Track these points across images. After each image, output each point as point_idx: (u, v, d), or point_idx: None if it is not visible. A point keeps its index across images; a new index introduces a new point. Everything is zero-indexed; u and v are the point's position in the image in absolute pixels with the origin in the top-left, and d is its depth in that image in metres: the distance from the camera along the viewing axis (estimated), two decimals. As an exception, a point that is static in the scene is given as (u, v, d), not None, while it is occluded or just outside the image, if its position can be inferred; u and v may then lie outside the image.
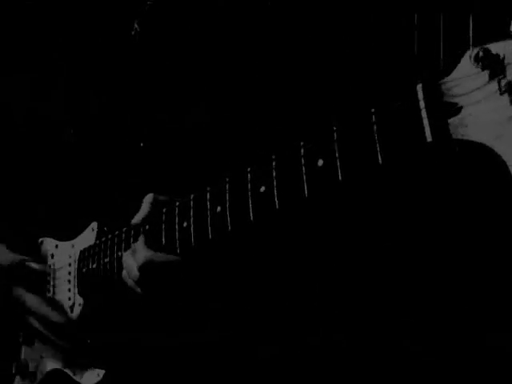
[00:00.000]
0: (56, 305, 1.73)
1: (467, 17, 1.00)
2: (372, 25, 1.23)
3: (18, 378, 1.89)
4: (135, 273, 1.38)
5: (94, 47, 1.66)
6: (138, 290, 1.40)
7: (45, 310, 1.73)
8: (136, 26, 1.60)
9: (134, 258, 1.39)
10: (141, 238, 1.41)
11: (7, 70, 1.81)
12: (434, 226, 1.26)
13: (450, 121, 0.95)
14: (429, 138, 0.95)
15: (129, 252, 1.43)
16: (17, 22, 1.79)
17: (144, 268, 1.37)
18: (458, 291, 1.28)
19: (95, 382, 1.63)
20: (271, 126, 1.37)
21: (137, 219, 1.44)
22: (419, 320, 1.43)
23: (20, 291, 1.74)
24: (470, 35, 0.99)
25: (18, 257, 1.79)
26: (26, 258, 1.79)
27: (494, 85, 0.91)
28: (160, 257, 1.36)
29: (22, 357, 1.88)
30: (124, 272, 1.43)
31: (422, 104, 0.96)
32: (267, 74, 1.41)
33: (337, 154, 1.06)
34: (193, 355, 1.57)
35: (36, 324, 1.77)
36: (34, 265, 1.78)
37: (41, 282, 1.78)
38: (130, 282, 1.41)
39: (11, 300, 1.78)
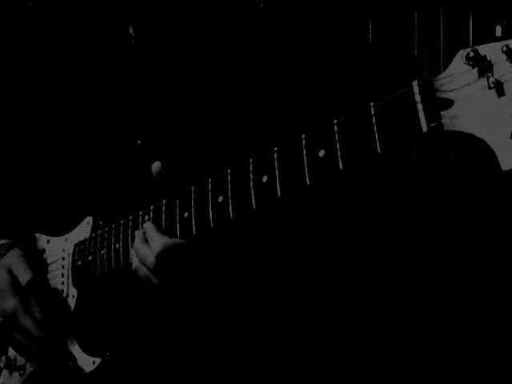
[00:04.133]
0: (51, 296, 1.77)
1: (462, 21, 1.11)
2: (373, 24, 1.33)
3: (5, 373, 1.92)
4: (152, 260, 1.36)
5: (91, 48, 1.71)
6: (154, 279, 1.38)
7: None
8: (131, 30, 1.67)
9: (148, 246, 1.39)
10: (150, 226, 1.41)
11: (5, 71, 1.85)
12: (431, 219, 1.35)
13: (443, 113, 1.06)
14: (424, 129, 1.07)
15: (138, 241, 1.41)
16: (16, 23, 1.83)
17: (162, 255, 1.36)
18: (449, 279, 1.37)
19: (90, 370, 1.68)
20: (273, 123, 1.45)
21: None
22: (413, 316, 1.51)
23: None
24: (463, 37, 1.10)
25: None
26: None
27: (483, 81, 1.03)
28: (178, 243, 1.36)
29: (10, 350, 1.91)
30: (135, 262, 1.41)
31: (417, 98, 1.07)
32: (269, 71, 1.48)
33: (338, 145, 1.17)
34: (190, 346, 1.60)
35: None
36: None
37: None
38: (144, 272, 1.39)
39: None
